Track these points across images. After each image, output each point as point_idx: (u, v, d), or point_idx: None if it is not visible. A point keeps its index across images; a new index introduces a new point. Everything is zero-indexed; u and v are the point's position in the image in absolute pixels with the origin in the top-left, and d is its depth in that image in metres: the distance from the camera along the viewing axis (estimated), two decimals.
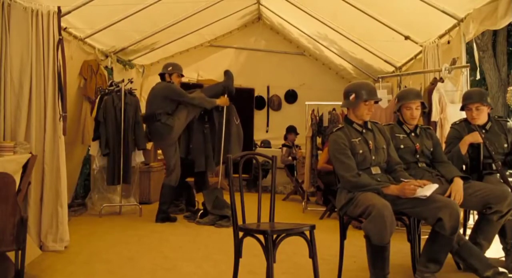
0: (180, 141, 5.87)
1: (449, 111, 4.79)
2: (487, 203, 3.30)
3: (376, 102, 3.37)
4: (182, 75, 5.88)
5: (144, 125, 5.94)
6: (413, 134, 3.67)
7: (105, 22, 5.90)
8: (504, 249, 3.62)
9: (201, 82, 8.48)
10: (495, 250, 3.71)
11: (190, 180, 6.19)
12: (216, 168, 5.88)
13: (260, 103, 9.56)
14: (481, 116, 3.79)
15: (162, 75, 5.79)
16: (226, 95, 5.72)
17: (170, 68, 5.76)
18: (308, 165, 6.44)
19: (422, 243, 3.27)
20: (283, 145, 8.11)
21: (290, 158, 7.79)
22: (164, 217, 5.56)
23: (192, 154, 5.85)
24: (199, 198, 6.02)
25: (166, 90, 5.55)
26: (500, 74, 10.09)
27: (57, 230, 4.08)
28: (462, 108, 3.90)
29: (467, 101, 3.81)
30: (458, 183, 3.34)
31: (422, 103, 3.68)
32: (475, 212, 4.15)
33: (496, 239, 3.57)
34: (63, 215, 4.13)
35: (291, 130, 8.16)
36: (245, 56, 9.57)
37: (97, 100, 5.97)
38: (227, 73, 5.89)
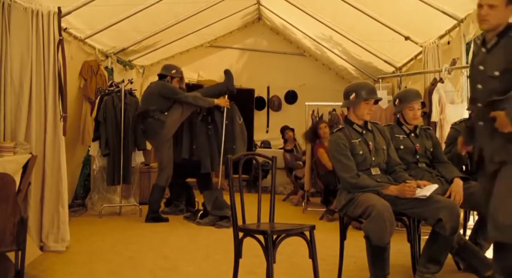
0: (183, 142, 5.85)
1: (449, 111, 4.80)
2: None
3: (376, 102, 3.38)
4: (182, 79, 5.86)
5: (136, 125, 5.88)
6: (412, 134, 3.67)
7: (105, 22, 5.91)
8: None
9: (201, 82, 8.48)
10: None
11: (191, 180, 6.18)
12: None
13: (260, 103, 9.55)
14: None
15: (161, 76, 5.73)
16: (226, 96, 5.71)
17: (174, 71, 5.70)
18: (308, 165, 6.42)
19: (422, 244, 3.27)
20: (285, 150, 7.87)
21: (299, 162, 7.60)
22: (154, 217, 5.55)
23: (197, 156, 5.78)
24: (199, 199, 6.02)
25: (161, 88, 5.55)
26: None
27: (58, 230, 4.07)
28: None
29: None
30: (458, 184, 3.35)
31: (422, 103, 3.69)
32: (475, 212, 4.14)
33: None
34: (64, 215, 4.12)
35: (285, 129, 7.99)
36: (245, 56, 9.56)
37: (97, 100, 5.98)
38: (227, 73, 5.85)
